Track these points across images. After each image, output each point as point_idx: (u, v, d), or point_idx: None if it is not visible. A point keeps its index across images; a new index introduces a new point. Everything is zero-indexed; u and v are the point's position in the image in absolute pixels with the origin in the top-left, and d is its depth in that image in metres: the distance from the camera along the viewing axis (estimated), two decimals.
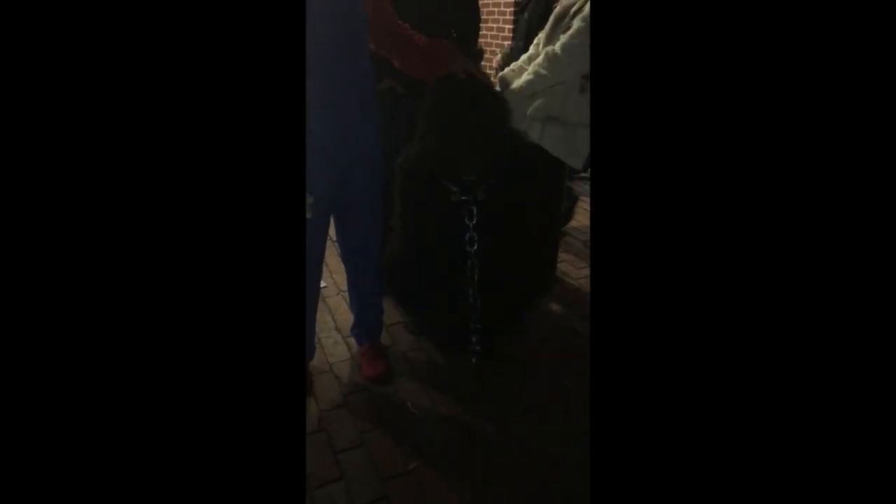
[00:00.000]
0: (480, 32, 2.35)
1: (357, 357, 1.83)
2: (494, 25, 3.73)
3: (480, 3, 2.19)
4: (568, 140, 1.89)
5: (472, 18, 2.10)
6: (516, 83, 1.84)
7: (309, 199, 1.40)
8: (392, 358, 1.84)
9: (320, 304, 2.14)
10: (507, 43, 3.58)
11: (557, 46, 1.78)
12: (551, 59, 1.80)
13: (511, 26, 3.63)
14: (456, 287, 1.68)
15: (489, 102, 1.62)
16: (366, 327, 1.82)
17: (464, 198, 1.59)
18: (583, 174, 2.99)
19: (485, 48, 2.40)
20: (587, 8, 1.73)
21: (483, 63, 2.38)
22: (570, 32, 1.77)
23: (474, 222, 1.60)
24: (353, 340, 1.89)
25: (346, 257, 1.76)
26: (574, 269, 2.48)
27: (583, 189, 3.23)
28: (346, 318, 2.03)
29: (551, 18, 1.93)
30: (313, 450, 1.46)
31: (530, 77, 1.81)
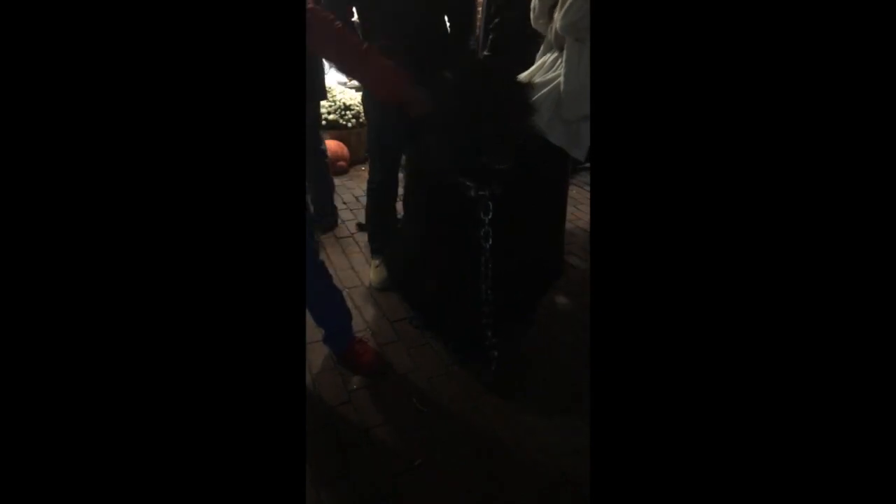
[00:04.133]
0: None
1: (345, 363, 1.78)
2: None
3: None
4: (571, 131, 1.87)
5: (467, 7, 2.07)
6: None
7: None
8: (397, 354, 1.83)
9: None
10: None
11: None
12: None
13: None
14: (468, 283, 1.65)
15: (508, 93, 1.58)
16: (331, 334, 1.76)
17: (481, 192, 1.55)
18: (586, 165, 2.97)
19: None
20: None
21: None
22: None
23: (490, 217, 1.56)
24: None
25: None
26: (581, 260, 2.46)
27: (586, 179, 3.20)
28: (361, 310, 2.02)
29: None
30: (319, 447, 1.45)
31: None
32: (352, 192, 3.36)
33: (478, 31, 2.41)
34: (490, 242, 1.58)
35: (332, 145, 3.74)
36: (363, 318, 2.04)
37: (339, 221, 2.92)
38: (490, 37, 2.28)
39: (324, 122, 3.80)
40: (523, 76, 1.94)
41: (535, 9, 1.93)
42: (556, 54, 1.88)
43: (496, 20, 2.27)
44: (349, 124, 3.81)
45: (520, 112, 1.54)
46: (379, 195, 2.18)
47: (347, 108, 3.85)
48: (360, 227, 2.77)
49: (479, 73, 1.55)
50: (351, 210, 3.09)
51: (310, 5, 1.35)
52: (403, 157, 2.10)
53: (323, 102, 3.80)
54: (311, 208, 2.75)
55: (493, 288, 1.63)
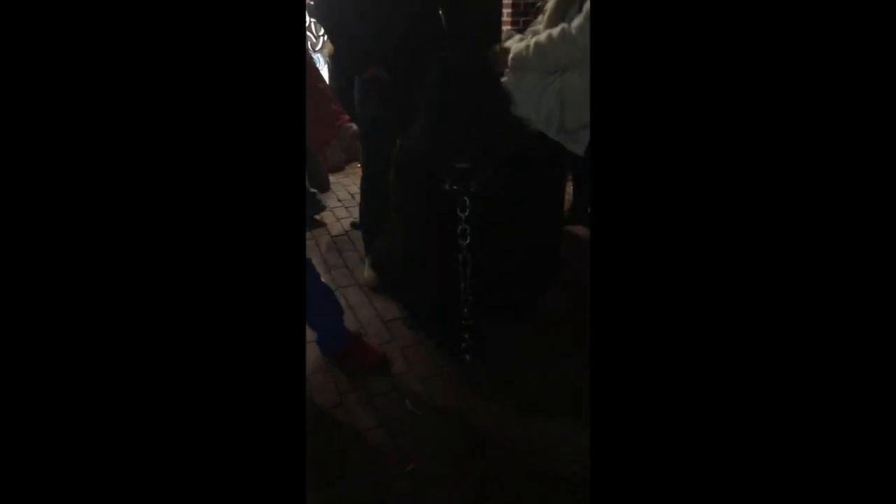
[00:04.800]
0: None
1: (343, 362, 1.74)
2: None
3: None
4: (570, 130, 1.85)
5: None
6: (516, 46, 1.79)
7: None
8: (391, 354, 1.79)
9: None
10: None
11: (573, 25, 1.72)
12: (565, 37, 1.74)
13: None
14: (449, 282, 1.61)
15: (489, 88, 1.55)
16: (325, 335, 1.71)
17: (455, 187, 1.51)
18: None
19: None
20: None
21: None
22: (584, 12, 1.72)
23: (466, 214, 1.52)
24: None
25: None
26: (580, 258, 2.40)
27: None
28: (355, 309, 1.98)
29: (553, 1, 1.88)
30: (310, 451, 1.41)
31: (539, 43, 1.75)
32: (347, 190, 3.32)
33: None
34: (468, 240, 1.53)
35: None
36: (356, 317, 2.00)
37: (334, 217, 2.88)
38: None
39: None
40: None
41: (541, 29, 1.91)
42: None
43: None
44: None
45: (494, 109, 1.50)
46: (373, 192, 2.14)
47: None
48: (355, 225, 2.73)
49: (455, 65, 1.52)
50: (346, 208, 3.05)
51: None
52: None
53: None
54: None
55: (475, 288, 1.59)
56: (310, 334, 1.70)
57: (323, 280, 1.67)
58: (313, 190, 2.85)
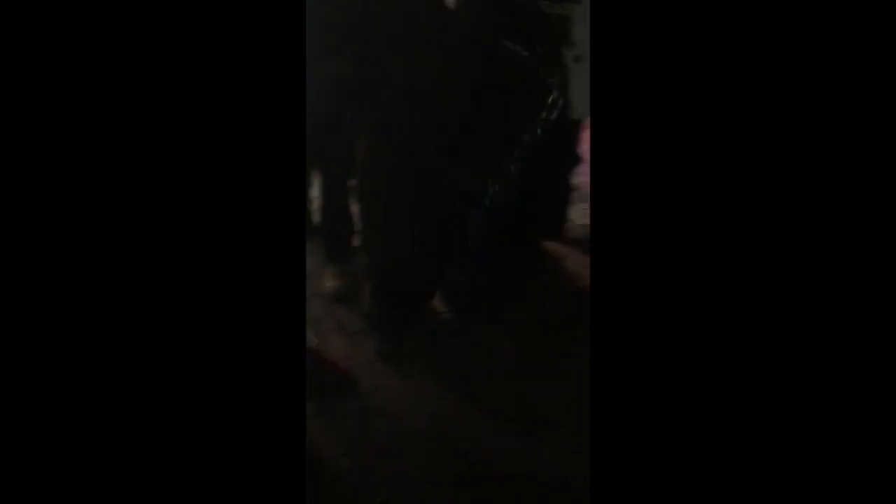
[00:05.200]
0: None
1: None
2: None
3: None
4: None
5: None
6: None
7: None
8: (356, 371, 1.67)
9: None
10: None
11: None
12: None
13: None
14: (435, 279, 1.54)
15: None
16: None
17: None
18: None
19: None
20: None
21: None
22: None
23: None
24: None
25: None
26: (580, 267, 2.29)
27: None
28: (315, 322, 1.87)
29: None
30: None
31: None
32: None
33: None
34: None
35: None
36: (317, 330, 1.87)
37: None
38: None
39: None
40: None
41: None
42: None
43: None
44: None
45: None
46: (333, 196, 2.01)
47: None
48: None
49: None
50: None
51: None
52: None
53: None
54: None
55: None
56: None
57: None
58: None
